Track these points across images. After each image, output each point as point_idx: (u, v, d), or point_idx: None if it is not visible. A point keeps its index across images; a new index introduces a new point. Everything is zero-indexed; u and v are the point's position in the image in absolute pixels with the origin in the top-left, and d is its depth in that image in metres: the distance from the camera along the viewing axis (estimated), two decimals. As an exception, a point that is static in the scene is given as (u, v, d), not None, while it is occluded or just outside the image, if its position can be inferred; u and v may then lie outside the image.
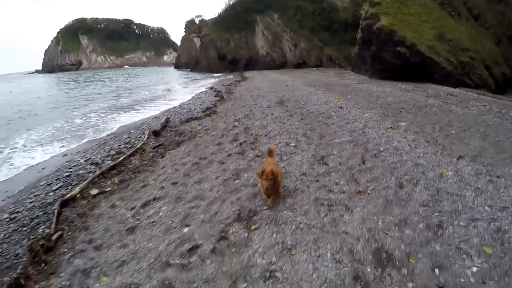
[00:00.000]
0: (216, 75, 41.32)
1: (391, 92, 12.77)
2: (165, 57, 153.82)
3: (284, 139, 6.64)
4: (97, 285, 2.82)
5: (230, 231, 3.31)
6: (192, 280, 2.67)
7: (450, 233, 3.03)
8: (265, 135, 7.08)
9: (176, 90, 25.12)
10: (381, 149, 5.57)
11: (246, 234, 3.26)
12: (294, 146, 6.06)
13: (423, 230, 3.10)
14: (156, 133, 8.16)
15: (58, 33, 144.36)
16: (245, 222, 3.47)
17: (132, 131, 9.65)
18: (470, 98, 11.15)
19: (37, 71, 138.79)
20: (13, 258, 3.71)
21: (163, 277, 2.74)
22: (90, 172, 6.07)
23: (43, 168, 7.42)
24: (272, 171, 3.49)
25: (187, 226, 3.55)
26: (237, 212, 3.70)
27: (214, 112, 11.09)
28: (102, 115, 15.03)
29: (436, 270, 2.57)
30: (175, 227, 3.54)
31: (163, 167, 5.71)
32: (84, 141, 9.98)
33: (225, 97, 15.56)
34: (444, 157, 5.04)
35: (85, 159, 7.06)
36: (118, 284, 2.75)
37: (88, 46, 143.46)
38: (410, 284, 2.45)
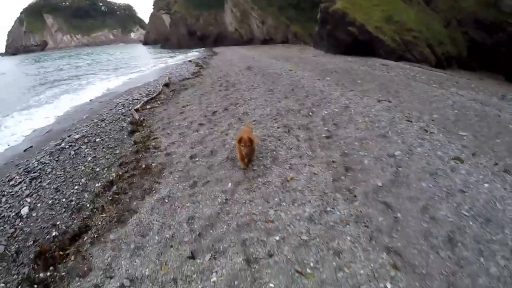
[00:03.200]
0: (189, 51, 43.37)
1: (335, 62, 16.48)
2: (132, 35, 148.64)
3: (250, 84, 11.02)
4: (176, 123, 7.07)
5: (229, 107, 7.87)
6: (216, 118, 7.11)
7: (313, 100, 7.59)
8: (239, 83, 11.41)
9: (160, 63, 28.30)
10: (305, 86, 10.12)
11: (235, 108, 7.77)
12: (256, 86, 10.49)
13: (305, 102, 7.66)
14: (167, 85, 12.15)
15: (21, 13, 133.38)
16: (234, 106, 7.96)
17: (146, 86, 13.40)
18: (400, 68, 13.24)
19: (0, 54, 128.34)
20: (121, 129, 7.49)
21: (205, 118, 7.15)
22: (137, 103, 9.99)
23: (90, 109, 11.08)
24: (250, 138, 3.76)
25: (209, 108, 7.99)
26: (230, 103, 8.22)
27: (201, 74, 15.18)
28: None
29: (311, 107, 7.13)
30: (203, 109, 7.98)
31: (183, 97, 9.99)
32: (108, 91, 13.75)
33: (204, 66, 19.41)
34: (341, 90, 9.57)
35: (125, 99, 10.89)
36: (184, 122, 7.05)
37: (53, 26, 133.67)
38: (298, 114, 6.98)
